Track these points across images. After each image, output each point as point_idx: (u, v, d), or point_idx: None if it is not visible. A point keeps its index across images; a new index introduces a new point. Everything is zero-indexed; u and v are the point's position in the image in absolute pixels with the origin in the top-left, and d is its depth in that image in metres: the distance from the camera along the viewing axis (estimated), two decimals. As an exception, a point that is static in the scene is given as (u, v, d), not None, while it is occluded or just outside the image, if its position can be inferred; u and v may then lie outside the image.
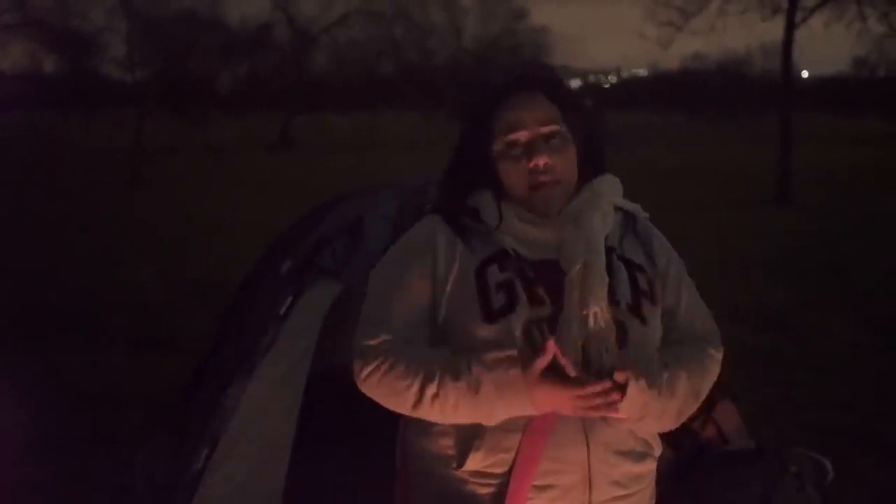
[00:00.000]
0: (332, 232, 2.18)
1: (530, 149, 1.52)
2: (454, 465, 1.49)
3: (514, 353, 1.43)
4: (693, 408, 1.55)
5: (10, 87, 26.67)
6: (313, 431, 2.12)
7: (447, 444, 1.50)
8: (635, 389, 1.42)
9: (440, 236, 1.54)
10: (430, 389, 1.44)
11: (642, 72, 64.44)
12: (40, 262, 8.07)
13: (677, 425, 1.55)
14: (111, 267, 7.80)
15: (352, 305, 2.02)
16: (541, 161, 1.51)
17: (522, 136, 1.53)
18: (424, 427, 1.52)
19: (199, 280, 7.04)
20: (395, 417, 1.61)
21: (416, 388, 1.45)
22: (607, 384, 1.39)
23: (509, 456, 1.45)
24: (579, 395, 1.39)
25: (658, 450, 1.56)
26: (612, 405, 1.40)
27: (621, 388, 1.40)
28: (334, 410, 2.24)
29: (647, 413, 1.46)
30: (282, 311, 2.07)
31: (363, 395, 1.53)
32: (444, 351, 1.49)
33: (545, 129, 1.53)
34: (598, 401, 1.39)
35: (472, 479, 1.48)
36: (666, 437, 1.95)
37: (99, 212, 11.70)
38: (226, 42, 33.98)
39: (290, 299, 2.09)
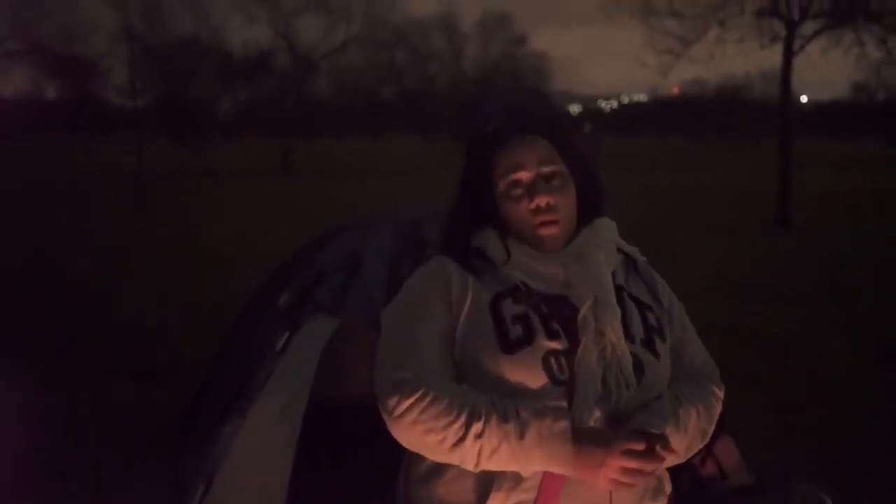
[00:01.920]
0: (329, 267, 2.19)
1: (532, 189, 1.54)
2: None
3: (563, 403, 1.41)
4: (698, 447, 1.55)
5: (12, 113, 26.84)
6: (310, 466, 2.10)
7: (464, 489, 1.46)
8: (673, 438, 1.43)
9: (453, 273, 1.54)
10: (475, 428, 1.39)
11: (642, 97, 64.91)
12: (39, 287, 8.06)
13: (681, 462, 1.54)
14: (110, 294, 7.79)
15: (347, 341, 2.02)
16: (542, 201, 1.53)
17: (524, 176, 1.55)
18: (439, 471, 1.48)
19: (198, 307, 7.02)
20: (394, 452, 1.58)
21: (460, 424, 1.39)
22: (650, 442, 1.38)
23: (529, 497, 1.43)
24: (626, 453, 1.36)
25: (669, 488, 1.56)
26: (655, 465, 1.39)
27: (663, 442, 1.40)
28: (332, 445, 2.22)
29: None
30: (279, 347, 2.06)
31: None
32: (486, 392, 1.45)
33: (546, 170, 1.56)
34: (642, 464, 1.37)
35: None
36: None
37: (99, 238, 11.71)
38: (227, 68, 34.27)
39: (287, 335, 2.08)
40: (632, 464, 1.37)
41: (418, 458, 1.50)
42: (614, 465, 1.37)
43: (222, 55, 34.37)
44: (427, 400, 1.41)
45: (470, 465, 1.42)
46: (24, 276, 8.46)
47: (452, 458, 1.42)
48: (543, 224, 1.54)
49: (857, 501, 3.18)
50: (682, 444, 1.48)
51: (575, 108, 60.17)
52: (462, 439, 1.39)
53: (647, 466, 1.38)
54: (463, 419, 1.39)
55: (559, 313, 1.49)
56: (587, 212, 1.61)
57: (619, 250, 1.64)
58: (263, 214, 14.94)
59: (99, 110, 31.41)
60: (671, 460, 1.48)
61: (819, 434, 4.17)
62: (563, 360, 1.45)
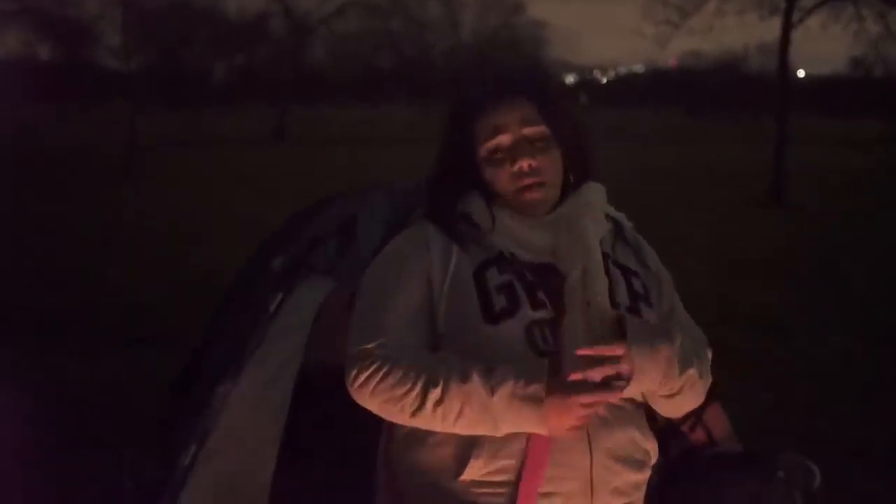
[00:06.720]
0: (324, 231, 2.18)
1: (514, 152, 1.52)
2: (452, 475, 1.44)
3: (537, 365, 1.40)
4: (694, 405, 1.58)
5: (4, 76, 26.52)
6: (302, 430, 2.12)
7: (445, 454, 1.45)
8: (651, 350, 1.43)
9: (434, 241, 1.52)
10: (433, 394, 1.39)
11: (639, 68, 64.49)
12: (30, 258, 8.01)
13: (680, 414, 1.60)
14: (103, 263, 7.76)
15: (342, 305, 2.02)
16: (525, 163, 1.51)
17: (505, 139, 1.53)
18: (419, 437, 1.48)
19: (192, 277, 7.01)
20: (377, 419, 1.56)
21: (416, 393, 1.40)
22: (613, 352, 1.39)
23: (510, 463, 1.42)
24: (585, 387, 1.36)
25: (654, 458, 1.57)
26: (618, 387, 1.39)
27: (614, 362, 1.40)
28: (323, 408, 2.23)
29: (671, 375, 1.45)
30: (272, 309, 2.06)
31: (345, 397, 1.50)
32: (449, 354, 1.45)
33: (528, 131, 1.53)
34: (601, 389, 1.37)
35: (472, 489, 1.44)
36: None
37: (91, 207, 11.64)
38: (222, 33, 33.91)
39: (280, 296, 2.08)
40: (590, 399, 1.36)
41: (401, 424, 1.50)
42: (576, 408, 1.36)
43: (217, 19, 33.98)
44: (383, 371, 1.41)
45: (439, 429, 1.42)
46: (12, 247, 8.37)
47: (419, 425, 1.43)
48: (527, 188, 1.52)
49: (846, 481, 3.21)
50: (690, 393, 1.50)
51: (571, 79, 59.84)
52: (421, 407, 1.40)
53: (606, 396, 1.38)
54: (419, 387, 1.39)
55: (545, 282, 1.48)
56: (575, 177, 1.59)
57: (607, 216, 1.62)
58: (257, 184, 14.86)
59: (92, 75, 31.05)
60: (676, 403, 1.51)
61: (807, 414, 4.20)
62: (547, 331, 1.44)
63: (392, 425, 1.53)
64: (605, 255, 1.55)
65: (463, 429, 1.41)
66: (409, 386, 1.41)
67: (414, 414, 1.41)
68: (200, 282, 6.53)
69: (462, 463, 1.43)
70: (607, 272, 1.52)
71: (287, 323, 2.05)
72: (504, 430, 1.40)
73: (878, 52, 18.13)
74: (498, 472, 1.43)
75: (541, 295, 1.47)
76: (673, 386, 1.49)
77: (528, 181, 1.52)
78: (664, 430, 2.02)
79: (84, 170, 16.66)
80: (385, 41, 39.13)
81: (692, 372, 1.50)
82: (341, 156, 21.04)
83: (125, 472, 2.38)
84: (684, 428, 2.16)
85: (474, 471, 1.43)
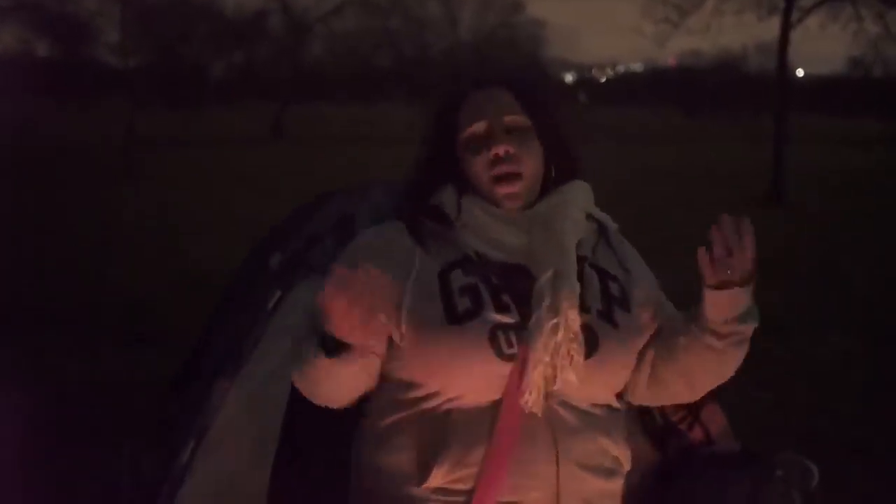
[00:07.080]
0: (322, 229, 2.18)
1: (490, 138, 1.49)
2: (415, 482, 1.41)
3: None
4: (722, 377, 1.55)
5: (2, 73, 26.48)
6: (299, 428, 2.12)
7: (407, 459, 1.43)
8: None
9: (397, 241, 1.49)
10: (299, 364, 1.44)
11: (638, 67, 64.51)
12: (29, 255, 8.00)
13: (696, 397, 1.59)
14: (103, 262, 7.75)
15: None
16: (501, 149, 1.47)
17: (482, 126, 1.50)
18: (382, 440, 1.46)
19: (192, 275, 7.00)
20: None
21: (314, 361, 1.40)
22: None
23: (475, 470, 1.39)
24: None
25: (627, 466, 1.53)
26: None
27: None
28: (321, 407, 2.23)
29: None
30: (270, 306, 2.07)
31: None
32: (431, 363, 1.43)
33: (507, 119, 1.50)
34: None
35: (434, 497, 1.41)
36: (652, 438, 1.96)
37: (90, 206, 11.63)
38: (220, 30, 33.90)
39: (278, 294, 2.08)
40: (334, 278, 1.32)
41: (369, 425, 1.50)
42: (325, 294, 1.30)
43: (215, 16, 33.99)
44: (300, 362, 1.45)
45: (323, 388, 1.46)
46: (11, 244, 8.35)
47: (313, 393, 1.48)
48: (504, 177, 1.48)
49: (845, 481, 3.21)
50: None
51: (570, 77, 59.84)
52: (300, 376, 1.45)
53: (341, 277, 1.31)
54: (312, 356, 1.41)
55: (512, 285, 1.45)
56: (558, 174, 1.54)
57: (591, 217, 1.57)
58: (256, 183, 14.85)
59: (90, 72, 31.02)
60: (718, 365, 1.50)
61: (809, 412, 4.20)
62: (511, 335, 1.41)
63: (363, 426, 1.52)
64: (582, 258, 1.50)
65: (327, 372, 1.40)
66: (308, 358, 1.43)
67: (301, 377, 1.45)
68: (200, 280, 6.53)
69: (425, 470, 1.40)
70: (582, 275, 1.47)
71: (285, 321, 2.05)
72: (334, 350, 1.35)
73: (877, 52, 18.16)
74: (461, 479, 1.39)
75: (506, 298, 1.43)
76: (735, 328, 1.44)
77: (502, 169, 1.47)
78: (662, 429, 2.03)
79: (83, 168, 16.64)
80: (384, 39, 39.11)
81: (749, 329, 1.45)
82: (340, 154, 21.03)
83: (124, 471, 2.39)
84: (682, 427, 2.17)
85: (437, 479, 1.40)
